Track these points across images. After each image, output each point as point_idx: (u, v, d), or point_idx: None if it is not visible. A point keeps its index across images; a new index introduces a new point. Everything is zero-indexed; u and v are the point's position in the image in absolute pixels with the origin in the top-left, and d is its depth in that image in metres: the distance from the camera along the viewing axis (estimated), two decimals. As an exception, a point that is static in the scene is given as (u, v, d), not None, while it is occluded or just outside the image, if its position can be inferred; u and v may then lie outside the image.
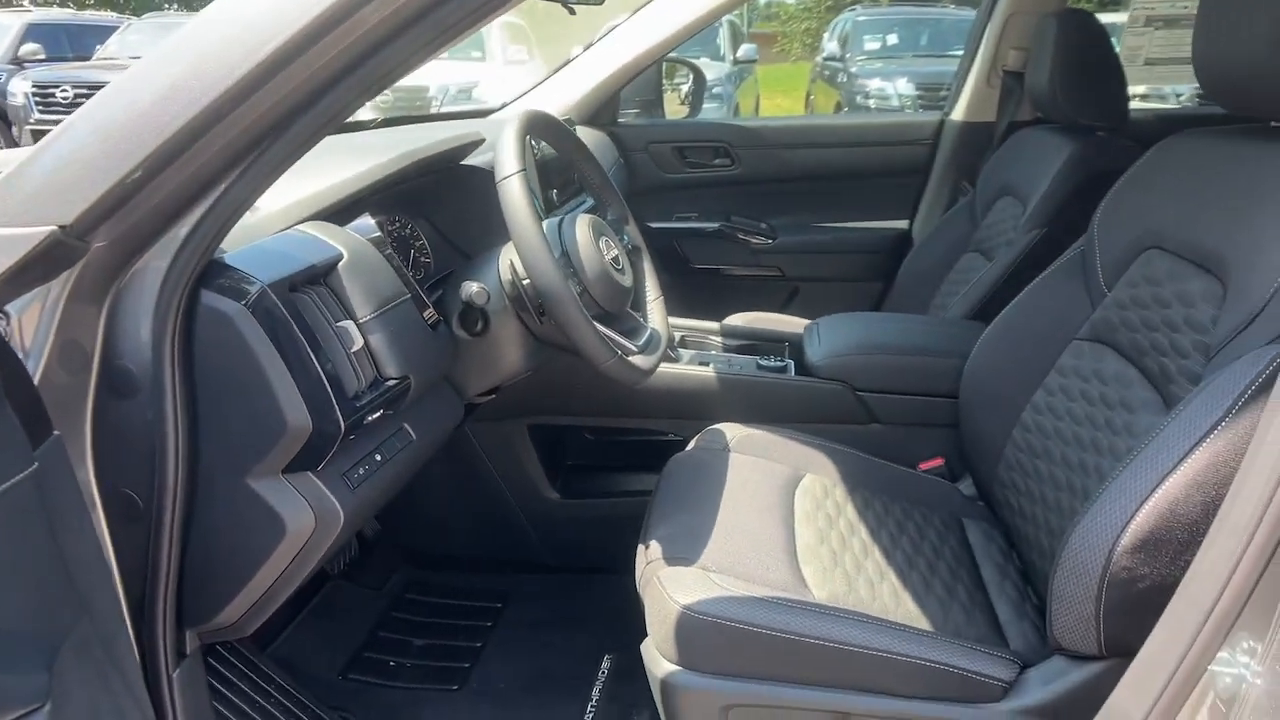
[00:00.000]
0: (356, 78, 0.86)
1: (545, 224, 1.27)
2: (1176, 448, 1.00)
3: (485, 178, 1.69)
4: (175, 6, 20.36)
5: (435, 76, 8.49)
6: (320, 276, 1.13)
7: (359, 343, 1.11)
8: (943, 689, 1.16)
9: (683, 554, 1.30)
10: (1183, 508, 0.98)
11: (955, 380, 1.66)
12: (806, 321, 2.08)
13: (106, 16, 13.74)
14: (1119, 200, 1.45)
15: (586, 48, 2.57)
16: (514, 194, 1.23)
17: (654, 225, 2.70)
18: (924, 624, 1.27)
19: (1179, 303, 1.22)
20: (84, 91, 8.14)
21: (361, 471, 1.13)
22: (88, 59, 10.14)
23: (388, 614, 1.93)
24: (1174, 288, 1.24)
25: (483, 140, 1.81)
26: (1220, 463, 0.97)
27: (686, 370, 1.86)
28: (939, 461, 1.77)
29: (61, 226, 0.83)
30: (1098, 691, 0.87)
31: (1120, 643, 1.04)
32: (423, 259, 1.51)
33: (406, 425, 1.27)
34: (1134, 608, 0.99)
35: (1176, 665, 0.79)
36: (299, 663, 1.72)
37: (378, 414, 1.13)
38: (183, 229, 0.91)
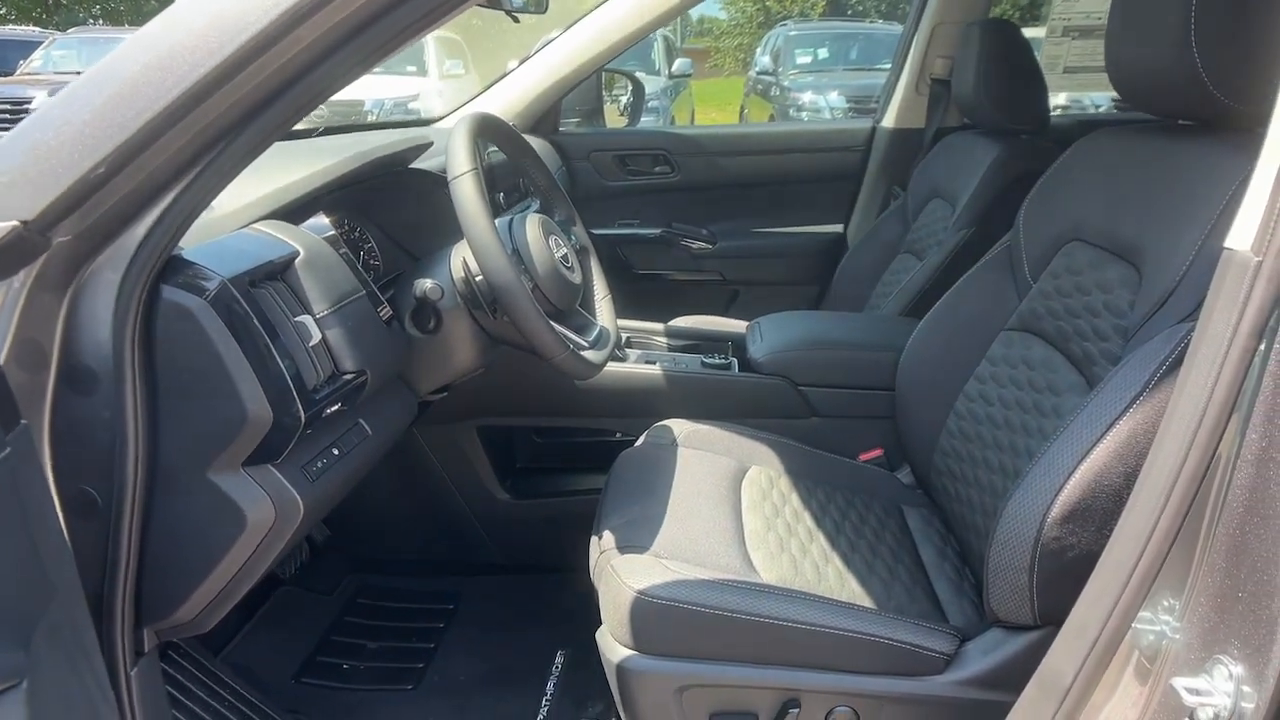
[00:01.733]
0: (305, 84, 0.90)
1: (496, 223, 1.30)
2: (1098, 424, 1.06)
3: (433, 181, 1.72)
4: (100, 20, 19.90)
5: (370, 91, 8.44)
6: (278, 272, 1.14)
7: (317, 337, 1.13)
8: (887, 663, 1.21)
9: (636, 542, 1.33)
10: (1106, 478, 1.05)
11: (892, 374, 1.73)
12: (748, 323, 2.13)
13: (29, 31, 13.38)
14: (1041, 197, 1.53)
15: (523, 60, 2.60)
16: (467, 191, 1.26)
17: (597, 232, 2.74)
18: (868, 603, 1.32)
19: (1098, 290, 1.29)
20: (5, 107, 7.94)
21: (320, 465, 1.15)
22: (10, 74, 9.89)
23: (340, 618, 1.93)
24: (1094, 276, 1.32)
25: (430, 144, 1.83)
26: (1139, 434, 1.03)
27: (634, 369, 1.90)
28: (878, 452, 1.83)
29: (23, 221, 0.84)
30: (1034, 659, 0.92)
31: (1054, 611, 1.10)
32: (372, 261, 1.53)
33: (362, 421, 1.29)
34: (1065, 576, 1.05)
35: (1102, 626, 0.83)
36: (253, 668, 1.72)
37: (335, 407, 1.15)
38: (142, 226, 0.92)
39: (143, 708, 1.06)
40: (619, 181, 2.91)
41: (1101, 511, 1.05)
